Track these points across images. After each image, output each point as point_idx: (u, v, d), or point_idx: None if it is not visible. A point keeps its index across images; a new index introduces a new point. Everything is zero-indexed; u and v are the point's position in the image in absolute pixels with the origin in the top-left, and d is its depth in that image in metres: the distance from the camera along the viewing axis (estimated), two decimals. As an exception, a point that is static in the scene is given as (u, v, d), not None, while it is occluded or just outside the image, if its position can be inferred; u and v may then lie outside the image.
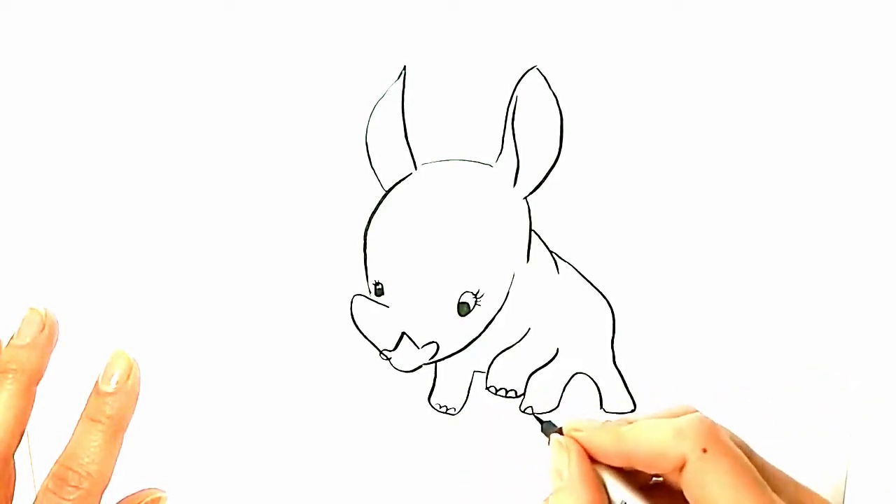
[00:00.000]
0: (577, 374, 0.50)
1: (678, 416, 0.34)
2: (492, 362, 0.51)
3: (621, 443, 0.34)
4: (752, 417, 0.49)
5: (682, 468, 0.33)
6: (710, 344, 0.49)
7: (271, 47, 0.50)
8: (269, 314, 0.51)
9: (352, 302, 0.50)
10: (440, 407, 0.51)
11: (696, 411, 0.34)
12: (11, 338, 0.41)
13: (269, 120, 0.50)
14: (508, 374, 0.51)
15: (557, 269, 0.50)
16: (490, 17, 0.48)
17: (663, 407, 0.36)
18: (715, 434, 0.33)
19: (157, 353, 0.50)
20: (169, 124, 0.51)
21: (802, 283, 0.48)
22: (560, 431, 0.36)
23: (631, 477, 0.35)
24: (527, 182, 0.49)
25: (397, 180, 0.50)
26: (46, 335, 0.41)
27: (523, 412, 0.51)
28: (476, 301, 0.50)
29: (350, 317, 0.50)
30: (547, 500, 0.35)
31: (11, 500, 0.41)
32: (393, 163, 0.50)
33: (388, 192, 0.50)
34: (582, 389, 0.51)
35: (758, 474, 0.33)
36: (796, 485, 0.35)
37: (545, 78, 0.48)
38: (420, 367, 0.51)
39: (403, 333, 0.50)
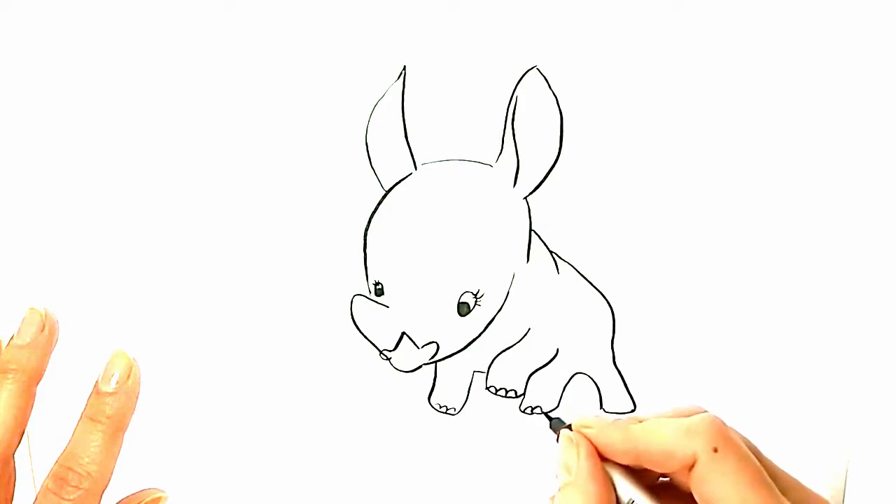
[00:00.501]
0: (577, 374, 0.50)
1: (688, 416, 0.34)
2: (492, 362, 0.51)
3: (631, 440, 0.34)
4: (752, 417, 0.49)
5: (691, 467, 0.33)
6: (710, 344, 0.49)
7: (271, 47, 0.50)
8: (269, 314, 0.51)
9: (352, 302, 0.50)
10: (440, 407, 0.51)
11: (706, 411, 0.34)
12: (11, 338, 0.41)
13: (269, 120, 0.50)
14: (508, 374, 0.51)
15: (557, 269, 0.50)
16: (490, 17, 0.48)
17: (672, 406, 0.36)
18: (725, 434, 0.33)
19: (157, 353, 0.50)
20: (169, 124, 0.51)
21: (802, 282, 0.48)
22: (569, 428, 0.36)
23: (639, 476, 0.35)
24: (527, 182, 0.49)
25: (397, 180, 0.50)
26: (46, 335, 0.41)
27: (524, 412, 0.51)
28: (476, 301, 0.50)
29: (350, 317, 0.50)
30: (553, 497, 0.35)
31: (11, 500, 0.41)
32: (393, 163, 0.50)
33: (388, 192, 0.50)
34: (582, 389, 0.51)
35: (766, 475, 0.33)
36: (802, 487, 0.35)
37: (545, 78, 0.48)
38: (420, 367, 0.51)
39: (403, 333, 0.50)
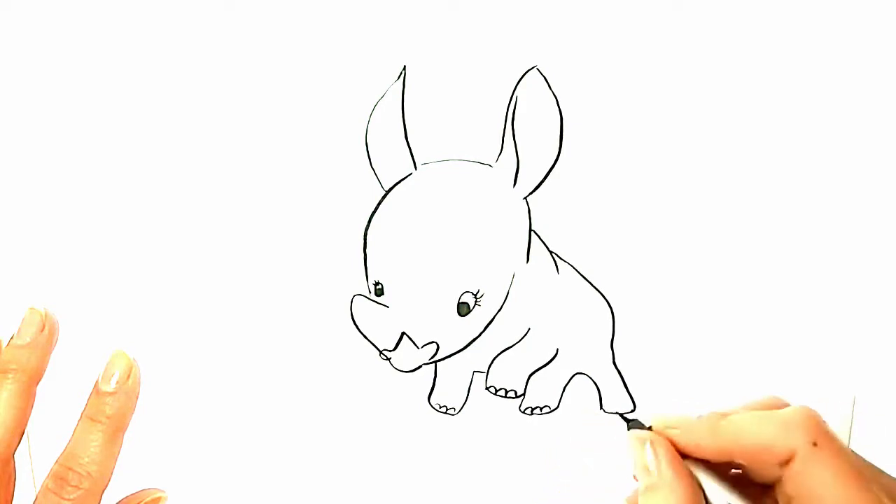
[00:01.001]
0: (577, 374, 0.50)
1: (775, 409, 0.33)
2: (492, 362, 0.51)
3: (720, 437, 0.33)
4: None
5: (785, 462, 0.32)
6: (710, 344, 0.49)
7: (271, 47, 0.50)
8: (269, 314, 0.51)
9: (352, 302, 0.50)
10: (440, 407, 0.51)
11: (787, 403, 0.33)
12: (11, 338, 0.41)
13: (269, 120, 0.50)
14: (508, 374, 0.51)
15: (557, 269, 0.50)
16: (490, 17, 0.48)
17: (751, 399, 0.35)
18: (824, 428, 0.32)
19: (157, 353, 0.50)
20: (169, 124, 0.51)
21: (802, 282, 0.48)
22: (649, 430, 0.35)
23: (715, 470, 0.34)
24: (527, 182, 0.49)
25: (397, 180, 0.50)
26: (46, 335, 0.41)
27: (523, 412, 0.51)
28: (476, 301, 0.50)
29: (350, 317, 0.50)
30: (628, 498, 0.34)
31: (11, 500, 0.41)
32: (393, 163, 0.50)
33: (388, 192, 0.50)
34: (582, 389, 0.51)
35: (864, 470, 0.32)
36: (885, 475, 0.34)
37: (545, 78, 0.48)
38: (420, 367, 0.51)
39: (403, 333, 0.50)
